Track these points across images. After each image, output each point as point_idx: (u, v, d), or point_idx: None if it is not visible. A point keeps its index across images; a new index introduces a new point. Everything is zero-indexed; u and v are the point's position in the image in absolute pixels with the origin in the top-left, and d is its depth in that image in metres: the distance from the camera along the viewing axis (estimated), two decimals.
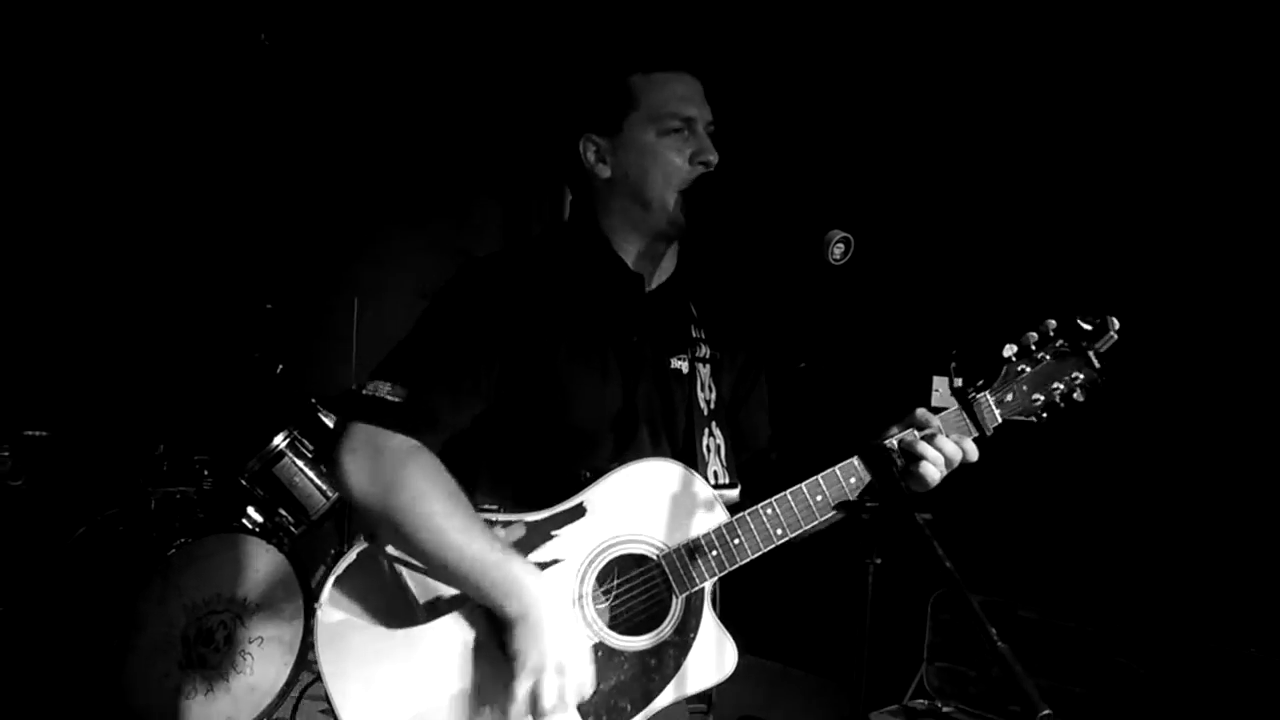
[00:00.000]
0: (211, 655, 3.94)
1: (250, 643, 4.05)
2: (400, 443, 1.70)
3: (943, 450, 1.79)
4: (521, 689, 1.66)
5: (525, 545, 1.75)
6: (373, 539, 1.74)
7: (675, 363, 1.95)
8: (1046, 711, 1.36)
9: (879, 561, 1.62)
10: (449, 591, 1.73)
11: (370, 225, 6.06)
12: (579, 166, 1.92)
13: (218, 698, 3.96)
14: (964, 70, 5.08)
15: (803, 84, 5.66)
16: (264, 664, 4.09)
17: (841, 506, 1.77)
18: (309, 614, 4.19)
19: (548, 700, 1.66)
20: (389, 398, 1.71)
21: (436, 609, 1.73)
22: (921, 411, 1.84)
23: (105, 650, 3.65)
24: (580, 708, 1.74)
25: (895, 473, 1.62)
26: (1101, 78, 4.64)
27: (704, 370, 1.97)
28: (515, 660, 1.67)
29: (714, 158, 1.86)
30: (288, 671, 4.13)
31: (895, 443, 1.82)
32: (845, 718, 4.92)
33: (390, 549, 1.73)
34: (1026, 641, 4.55)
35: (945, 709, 4.75)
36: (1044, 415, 1.88)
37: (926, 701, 4.82)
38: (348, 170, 5.95)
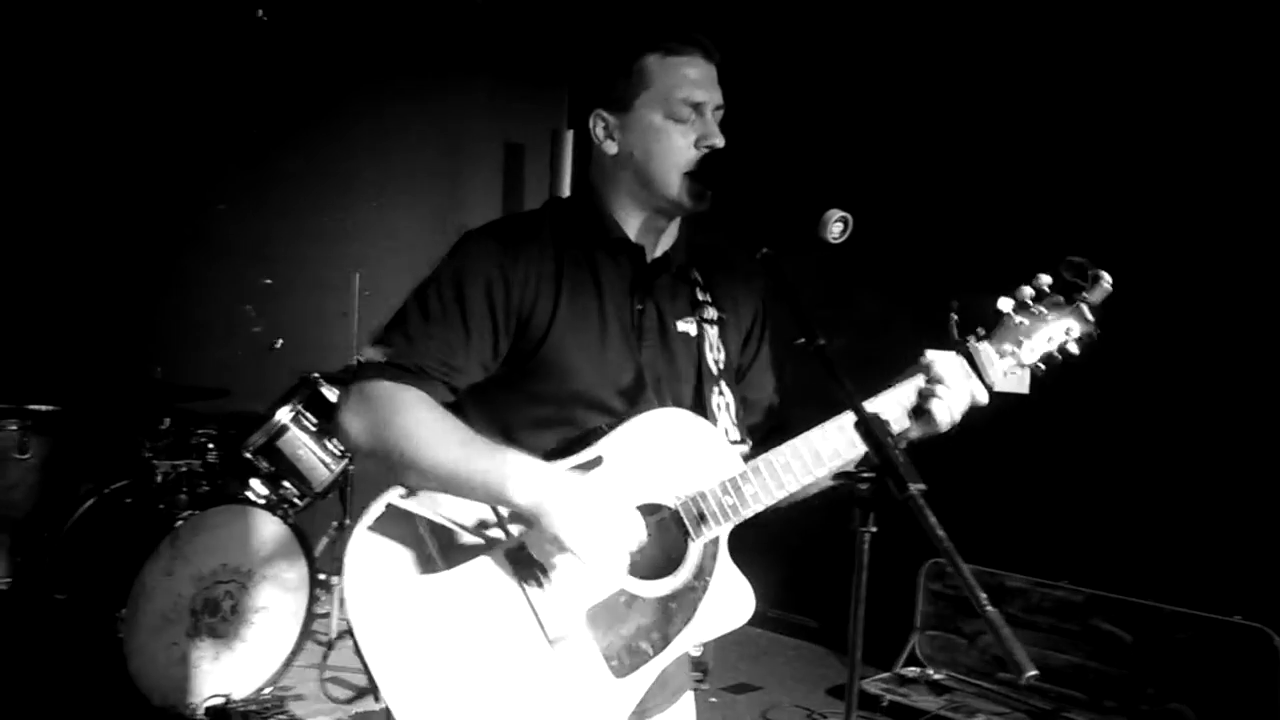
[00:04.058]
0: (218, 624, 4.01)
1: (256, 612, 4.12)
2: (385, 388, 1.77)
3: (954, 389, 1.84)
4: (578, 559, 1.71)
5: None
6: (398, 484, 1.79)
7: (682, 326, 1.98)
8: (1033, 673, 1.41)
9: (874, 530, 1.66)
10: (469, 540, 1.79)
11: (370, 199, 6.07)
12: (587, 139, 1.96)
13: (224, 667, 4.03)
14: (960, 44, 5.10)
15: (804, 63, 5.68)
16: (269, 633, 4.16)
17: (839, 476, 1.82)
18: (313, 584, 4.26)
19: (601, 560, 1.70)
20: (378, 358, 1.80)
21: (460, 556, 1.78)
22: (928, 356, 1.87)
23: (113, 620, 3.71)
24: (604, 651, 1.80)
25: (892, 440, 1.65)
26: (1095, 49, 4.66)
27: (711, 331, 2.00)
28: (558, 542, 1.71)
29: (719, 142, 1.88)
30: (293, 640, 4.21)
31: (902, 388, 1.86)
32: (840, 685, 4.99)
33: (411, 504, 1.77)
34: (1014, 609, 4.63)
35: (936, 676, 4.83)
36: (1041, 367, 1.92)
37: (918, 669, 4.90)
38: (347, 143, 5.96)
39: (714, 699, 4.70)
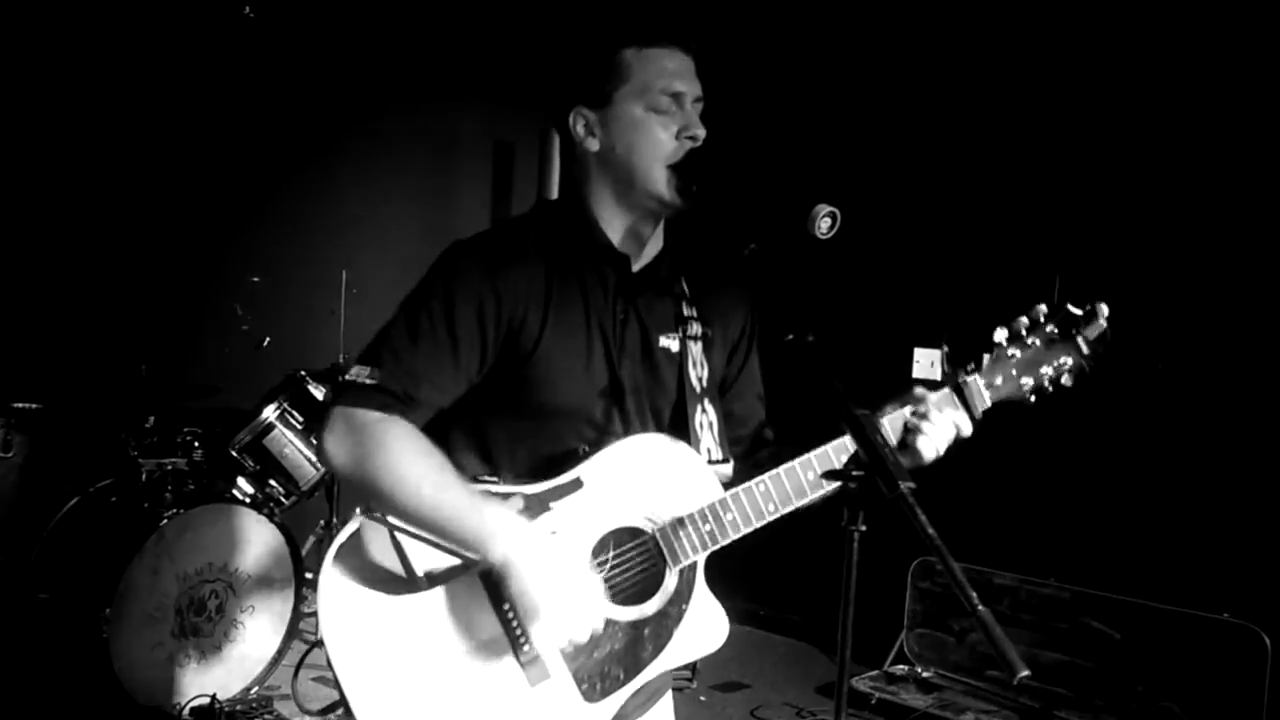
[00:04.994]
0: (204, 624, 3.98)
1: (242, 612, 4.09)
2: (373, 416, 1.74)
3: (937, 425, 1.83)
4: (531, 627, 1.74)
5: (522, 516, 1.78)
6: (369, 509, 1.78)
7: (665, 341, 1.95)
8: (1025, 673, 1.40)
9: (864, 529, 1.65)
10: (446, 561, 1.77)
11: (358, 196, 6.04)
12: (569, 140, 1.92)
13: (210, 666, 4.01)
14: (955, 40, 5.08)
15: (791, 57, 5.66)
16: (256, 632, 4.13)
17: (828, 475, 1.80)
18: (300, 583, 4.24)
19: (560, 633, 1.73)
20: (365, 381, 1.76)
21: (436, 576, 1.77)
22: (918, 390, 1.87)
23: (98, 620, 3.68)
24: (574, 674, 1.79)
25: (881, 440, 1.62)
26: (1092, 51, 4.65)
27: (695, 347, 1.97)
28: (517, 602, 1.73)
29: (700, 133, 1.85)
30: (279, 640, 4.18)
31: (887, 421, 1.86)
32: (828, 683, 4.99)
33: (389, 520, 1.76)
34: (1002, 607, 4.62)
35: (925, 674, 4.82)
36: (1032, 399, 1.91)
37: (906, 667, 4.88)
38: (335, 141, 5.92)
39: (703, 698, 4.69)
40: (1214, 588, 4.17)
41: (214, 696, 3.92)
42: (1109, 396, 4.44)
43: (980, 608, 1.43)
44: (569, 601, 1.72)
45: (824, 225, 1.72)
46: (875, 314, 5.14)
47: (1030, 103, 4.80)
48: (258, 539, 4.12)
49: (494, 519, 1.72)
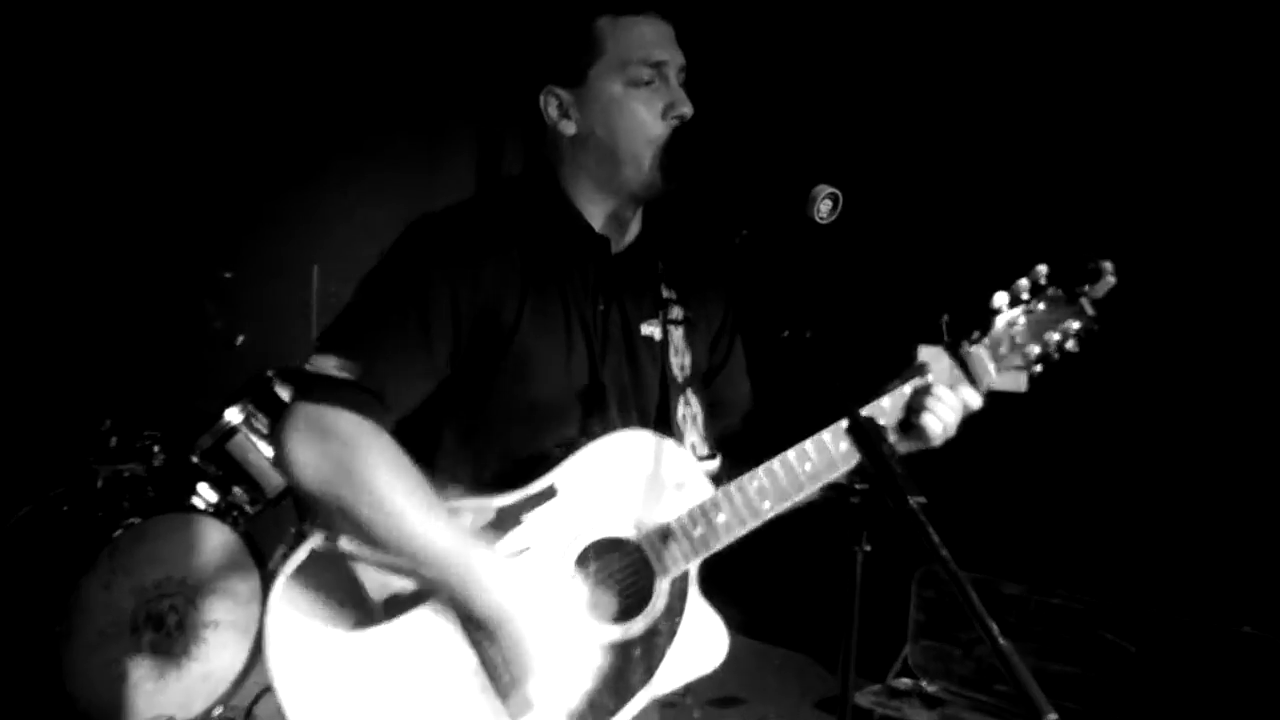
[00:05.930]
0: (162, 641, 3.82)
1: (204, 627, 3.93)
2: (350, 422, 1.57)
3: (945, 401, 1.72)
4: (513, 689, 1.60)
5: (493, 532, 1.64)
6: (327, 531, 1.61)
7: (646, 329, 1.84)
8: (1053, 715, 1.32)
9: (868, 549, 1.49)
10: (409, 588, 1.62)
11: (335, 185, 5.89)
12: (540, 122, 1.80)
13: (169, 686, 3.84)
14: (959, 15, 4.93)
15: (788, 29, 5.51)
16: (219, 649, 3.96)
17: (830, 489, 1.66)
18: (266, 596, 4.04)
19: (539, 698, 1.60)
20: (336, 374, 1.58)
21: (397, 607, 1.61)
22: (921, 359, 1.78)
23: (48, 637, 3.54)
24: (562, 705, 1.65)
25: (888, 449, 1.48)
26: (1094, 31, 4.52)
27: (677, 334, 1.86)
28: (505, 655, 1.60)
29: (688, 110, 1.73)
30: (244, 657, 4.01)
31: (888, 400, 1.74)
32: (828, 698, 4.83)
33: (344, 544, 1.60)
34: (1010, 618, 4.47)
35: (930, 688, 4.69)
36: (1038, 367, 1.80)
37: (911, 680, 4.75)
38: (308, 132, 5.76)
39: (697, 713, 4.56)
40: (1234, 598, 4.06)
41: (172, 718, 3.79)
42: (1123, 396, 4.37)
43: (1002, 642, 1.35)
44: (563, 660, 1.61)
45: (824, 208, 1.62)
46: (875, 307, 4.98)
47: (1043, 82, 4.65)
48: (220, 549, 3.96)
49: (482, 568, 1.57)
